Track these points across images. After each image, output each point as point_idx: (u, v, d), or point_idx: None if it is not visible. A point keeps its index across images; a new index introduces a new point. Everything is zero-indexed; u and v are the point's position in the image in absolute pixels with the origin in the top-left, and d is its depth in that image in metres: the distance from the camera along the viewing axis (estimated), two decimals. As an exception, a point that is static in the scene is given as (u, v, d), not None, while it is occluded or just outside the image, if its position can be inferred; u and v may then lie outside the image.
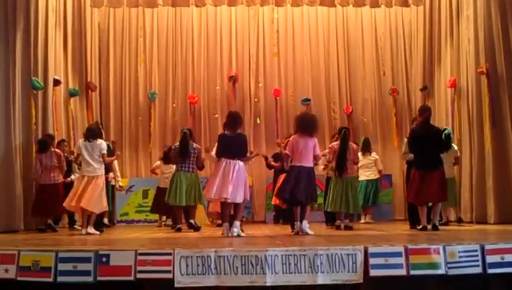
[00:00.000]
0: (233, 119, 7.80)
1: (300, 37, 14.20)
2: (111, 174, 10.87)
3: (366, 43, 14.21)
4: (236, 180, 7.46)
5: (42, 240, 7.06)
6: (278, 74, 14.13)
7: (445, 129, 8.70)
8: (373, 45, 14.21)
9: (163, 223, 11.20)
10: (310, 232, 7.68)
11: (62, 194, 9.23)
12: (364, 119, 13.92)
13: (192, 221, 9.30)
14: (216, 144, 7.86)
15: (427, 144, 8.09)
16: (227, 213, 7.67)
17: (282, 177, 10.66)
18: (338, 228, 9.04)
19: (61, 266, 4.74)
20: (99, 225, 9.15)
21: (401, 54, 14.18)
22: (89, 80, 12.97)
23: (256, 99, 13.96)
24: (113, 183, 11.24)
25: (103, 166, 8.85)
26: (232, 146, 7.58)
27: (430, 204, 8.73)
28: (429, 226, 8.09)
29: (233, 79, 13.69)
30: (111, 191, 11.05)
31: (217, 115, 13.75)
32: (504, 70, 9.81)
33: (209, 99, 13.96)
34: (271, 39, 14.19)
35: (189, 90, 13.90)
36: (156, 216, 11.55)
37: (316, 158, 7.93)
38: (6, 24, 9.55)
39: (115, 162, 11.55)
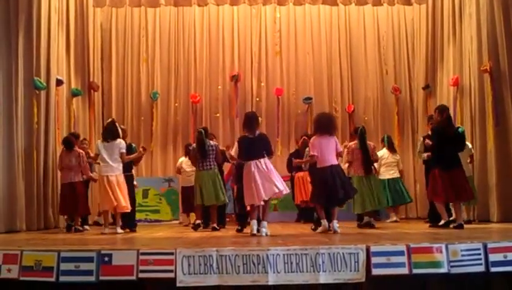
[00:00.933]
0: (250, 120, 7.77)
1: (303, 36, 14.20)
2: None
3: (368, 41, 14.21)
4: (273, 173, 7.48)
5: (44, 240, 7.08)
6: (280, 73, 14.13)
7: (458, 128, 8.72)
8: (375, 43, 14.20)
9: (190, 223, 11.15)
10: (339, 230, 7.70)
11: (82, 193, 9.39)
12: (366, 118, 13.90)
13: (214, 225, 9.17)
14: (236, 143, 7.89)
15: (448, 143, 8.14)
16: (256, 210, 7.61)
17: (299, 175, 10.71)
18: (371, 226, 8.96)
19: (64, 266, 4.74)
20: (131, 225, 9.25)
21: (404, 52, 14.16)
22: (91, 79, 12.99)
23: (258, 99, 13.98)
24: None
25: (121, 165, 8.83)
26: (255, 147, 7.54)
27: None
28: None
29: (235, 78, 13.70)
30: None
31: (218, 114, 13.78)
32: (507, 69, 9.79)
33: (211, 98, 13.97)
34: (273, 38, 14.19)
35: (191, 90, 13.91)
36: (158, 216, 11.58)
37: (339, 155, 8.03)
38: (8, 24, 9.54)
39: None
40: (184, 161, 11.40)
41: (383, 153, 11.08)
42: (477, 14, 10.55)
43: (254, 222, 7.45)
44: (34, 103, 9.92)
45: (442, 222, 8.23)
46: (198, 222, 9.26)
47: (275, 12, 14.12)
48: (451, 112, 11.39)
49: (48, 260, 4.78)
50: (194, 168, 9.89)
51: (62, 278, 4.73)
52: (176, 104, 13.97)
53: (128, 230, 9.04)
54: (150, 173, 13.32)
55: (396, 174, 11.28)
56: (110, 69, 13.96)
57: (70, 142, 9.51)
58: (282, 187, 7.46)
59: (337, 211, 8.00)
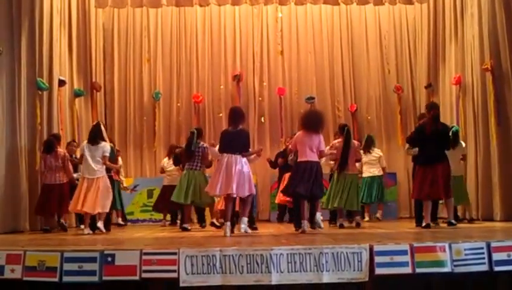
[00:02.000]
0: (234, 115, 7.83)
1: (304, 35, 14.20)
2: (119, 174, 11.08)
3: (370, 41, 14.20)
4: (240, 175, 7.44)
5: (48, 240, 7.08)
6: (282, 72, 14.13)
7: (452, 126, 8.69)
8: (377, 42, 14.19)
9: (166, 222, 11.28)
10: (322, 225, 7.70)
11: (67, 194, 9.28)
12: (369, 117, 13.91)
13: (213, 220, 9.18)
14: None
15: (433, 141, 8.10)
16: (230, 210, 7.61)
17: (287, 175, 10.73)
18: (341, 226, 9.00)
19: (67, 266, 4.75)
20: (106, 224, 9.21)
21: (406, 51, 14.15)
22: (93, 80, 13.02)
23: (260, 98, 13.97)
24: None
25: (104, 167, 8.87)
26: (233, 141, 7.58)
27: (441, 202, 8.77)
28: (432, 224, 8.11)
29: (237, 78, 13.70)
30: (118, 190, 11.10)
31: (221, 114, 13.76)
32: (509, 67, 9.76)
33: (213, 98, 13.98)
34: (275, 38, 14.18)
35: (194, 90, 13.92)
36: (161, 215, 11.58)
37: (321, 154, 7.93)
38: (11, 25, 9.57)
39: (120, 162, 11.62)
40: (166, 161, 11.47)
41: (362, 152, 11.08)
42: (479, 13, 10.54)
43: (227, 224, 7.42)
44: (37, 103, 9.95)
45: (424, 223, 8.11)
46: (185, 225, 9.14)
47: (277, 12, 14.11)
48: (453, 110, 11.46)
49: (51, 260, 4.79)
50: (175, 168, 10.48)
51: (65, 279, 4.74)
52: (178, 104, 13.97)
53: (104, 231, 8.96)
54: (154, 174, 13.31)
55: (377, 172, 11.25)
56: (112, 70, 13.97)
57: (52, 144, 9.46)
58: (234, 190, 7.37)
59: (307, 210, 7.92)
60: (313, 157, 7.76)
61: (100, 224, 8.71)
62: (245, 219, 7.56)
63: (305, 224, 7.67)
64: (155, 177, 12.70)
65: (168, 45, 14.11)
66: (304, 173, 7.67)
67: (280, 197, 10.52)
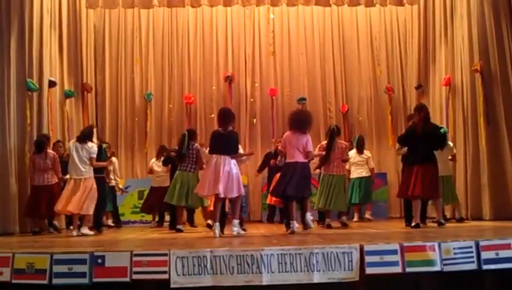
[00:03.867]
0: (223, 116, 7.84)
1: (296, 36, 14.22)
2: (111, 176, 11.14)
3: (361, 42, 14.24)
4: (228, 176, 7.44)
5: (37, 242, 7.05)
6: (274, 73, 14.14)
7: (441, 128, 8.74)
8: (368, 44, 14.24)
9: (156, 223, 11.31)
10: (311, 225, 7.73)
11: (57, 195, 9.20)
12: (360, 118, 13.95)
13: (209, 221, 9.14)
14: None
15: (422, 142, 8.15)
16: (219, 211, 7.59)
17: (277, 176, 10.75)
18: (329, 226, 8.98)
19: (56, 268, 4.73)
20: (97, 226, 9.21)
21: (396, 52, 14.21)
22: (84, 81, 12.97)
23: (252, 99, 13.99)
24: (112, 184, 11.26)
25: (91, 168, 8.85)
26: (222, 143, 7.59)
27: (430, 202, 8.83)
28: (421, 224, 8.17)
29: (229, 79, 13.70)
30: (111, 192, 11.08)
31: (213, 115, 13.72)
32: (498, 68, 9.85)
33: (205, 99, 13.97)
34: (267, 39, 14.20)
35: (185, 91, 13.91)
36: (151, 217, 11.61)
37: (308, 155, 7.91)
38: (0, 25, 9.53)
39: (116, 164, 11.64)
40: (155, 162, 11.53)
41: (352, 153, 11.11)
42: (468, 14, 10.61)
43: (217, 225, 7.39)
44: (26, 104, 9.90)
45: (413, 223, 8.15)
46: (179, 227, 9.11)
47: (268, 13, 14.13)
48: (443, 111, 11.52)
49: (40, 263, 4.76)
50: (163, 169, 10.64)
51: (55, 281, 4.71)
52: (170, 105, 13.95)
53: (95, 232, 8.95)
54: (145, 175, 13.31)
55: (365, 173, 11.30)
56: (103, 70, 13.93)
57: (42, 144, 9.43)
58: (221, 191, 7.35)
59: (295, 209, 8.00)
60: (301, 157, 7.78)
61: (84, 229, 8.65)
62: (236, 221, 7.56)
63: (294, 224, 7.68)
64: (146, 178, 12.69)
65: (159, 46, 14.09)
66: (292, 174, 7.70)
67: (270, 198, 10.54)
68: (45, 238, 7.94)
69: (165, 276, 4.68)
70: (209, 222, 9.07)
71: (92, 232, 8.74)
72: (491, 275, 4.88)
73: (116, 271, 4.72)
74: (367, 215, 11.49)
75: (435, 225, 8.35)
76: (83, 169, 8.72)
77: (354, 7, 13.53)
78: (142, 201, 12.04)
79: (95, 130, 9.38)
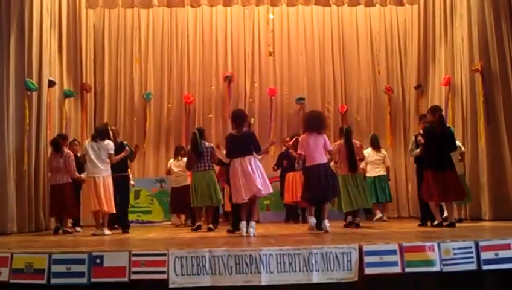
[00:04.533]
0: (236, 118, 7.80)
1: (296, 36, 14.22)
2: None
3: (361, 42, 14.24)
4: (259, 173, 7.44)
5: (35, 242, 7.04)
6: (273, 73, 14.14)
7: (449, 128, 8.79)
8: (368, 44, 14.23)
9: (187, 220, 11.30)
10: (329, 229, 7.73)
11: (71, 194, 9.39)
12: (359, 118, 13.94)
13: (210, 225, 9.26)
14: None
15: (439, 144, 8.21)
16: (246, 210, 7.53)
17: (290, 175, 10.75)
18: (356, 225, 8.96)
19: (55, 268, 4.71)
20: (125, 225, 9.29)
21: (396, 52, 14.20)
22: (83, 80, 12.93)
23: (251, 99, 13.98)
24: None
25: (109, 166, 8.82)
26: (240, 145, 7.54)
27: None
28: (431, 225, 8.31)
29: (228, 79, 13.69)
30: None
31: (211, 115, 13.79)
32: (498, 68, 9.84)
33: (204, 99, 13.97)
34: (266, 39, 14.19)
35: (185, 90, 13.90)
36: (150, 217, 11.60)
37: (330, 153, 8.02)
38: (0, 25, 9.52)
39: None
40: (173, 163, 11.53)
41: (368, 152, 11.14)
42: (468, 14, 10.60)
43: (243, 223, 7.42)
44: (25, 104, 9.87)
45: (435, 222, 8.32)
46: (198, 223, 9.25)
47: (268, 13, 14.12)
48: (443, 111, 11.49)
49: (38, 262, 4.75)
50: (182, 169, 10.67)
51: (53, 281, 4.70)
52: (169, 105, 13.95)
53: (120, 231, 9.01)
54: (142, 174, 13.29)
55: (382, 172, 11.37)
56: (102, 70, 13.91)
57: (58, 143, 9.49)
58: (261, 187, 7.39)
59: (328, 210, 8.02)
60: (321, 159, 7.77)
61: (106, 230, 8.70)
62: (253, 223, 7.47)
63: (314, 222, 7.83)
64: (143, 178, 12.68)
65: (159, 46, 14.07)
66: (318, 176, 7.69)
67: (288, 198, 10.84)
68: (44, 238, 7.91)
69: (164, 276, 4.67)
70: (210, 225, 9.23)
71: (110, 232, 8.78)
72: (491, 276, 4.87)
73: (115, 271, 4.70)
74: (382, 216, 11.50)
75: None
76: (101, 167, 8.67)
77: (354, 7, 13.52)
78: (138, 201, 12.08)
79: (110, 129, 9.32)
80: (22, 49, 9.89)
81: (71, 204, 9.44)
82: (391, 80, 14.09)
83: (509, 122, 9.70)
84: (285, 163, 11.16)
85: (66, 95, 11.84)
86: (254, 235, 7.26)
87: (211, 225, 9.23)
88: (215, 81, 14.00)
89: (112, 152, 8.81)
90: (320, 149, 7.79)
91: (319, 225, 8.04)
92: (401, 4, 12.96)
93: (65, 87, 11.88)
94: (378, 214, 11.38)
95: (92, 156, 8.68)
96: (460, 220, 9.49)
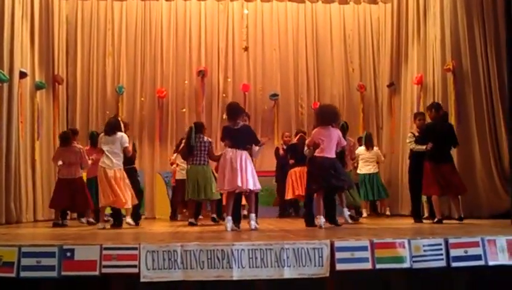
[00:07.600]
0: (230, 110, 7.76)
1: (270, 32, 14.26)
2: None
3: (334, 39, 14.33)
4: (246, 168, 7.35)
5: (5, 234, 6.94)
6: (247, 69, 14.16)
7: (450, 124, 9.03)
8: (341, 41, 14.33)
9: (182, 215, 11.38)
10: (350, 220, 7.87)
11: (83, 188, 9.41)
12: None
13: (214, 215, 9.41)
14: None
15: (442, 139, 8.42)
16: (231, 205, 7.45)
17: (297, 171, 10.56)
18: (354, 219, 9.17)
19: (25, 261, 4.64)
20: (136, 218, 9.08)
21: (369, 50, 14.33)
22: (56, 72, 12.79)
23: (224, 95, 13.98)
24: None
25: (122, 160, 8.59)
26: (237, 137, 7.47)
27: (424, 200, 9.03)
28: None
29: (201, 73, 13.67)
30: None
31: (184, 110, 13.75)
32: (469, 68, 9.97)
33: (177, 93, 13.93)
34: (240, 34, 14.20)
35: (158, 85, 13.85)
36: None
37: (343, 148, 8.06)
38: (-30, 15, 9.37)
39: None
40: (177, 156, 11.44)
41: (360, 149, 11.24)
42: (441, 14, 10.72)
43: (229, 219, 7.27)
44: (-4, 95, 9.74)
45: (436, 219, 8.39)
46: (191, 220, 9.09)
47: (243, 8, 14.13)
48: (414, 109, 11.65)
49: (8, 255, 4.67)
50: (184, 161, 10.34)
51: (23, 274, 4.62)
52: (142, 99, 13.88)
53: (133, 224, 8.80)
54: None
55: (373, 170, 11.50)
56: (75, 63, 13.78)
57: (67, 138, 9.47)
58: (254, 187, 7.36)
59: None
60: (331, 153, 7.66)
61: (129, 219, 8.60)
62: (253, 215, 7.43)
63: (322, 220, 7.62)
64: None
65: (132, 39, 13.99)
66: (328, 168, 7.58)
67: (291, 193, 10.75)
68: (14, 231, 7.81)
69: (135, 270, 4.63)
70: (214, 215, 9.40)
71: (134, 223, 8.72)
72: (459, 273, 4.93)
73: (85, 265, 4.65)
74: (387, 212, 11.60)
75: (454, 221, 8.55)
76: (114, 160, 8.45)
77: (328, 4, 13.62)
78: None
79: (121, 121, 9.16)
80: (-8, 40, 9.75)
81: (83, 197, 9.39)
82: (364, 78, 14.21)
83: (479, 122, 9.83)
84: (291, 162, 10.91)
85: (38, 86, 11.68)
86: (256, 228, 7.18)
87: (214, 215, 9.42)
88: (189, 75, 13.96)
89: (127, 145, 8.58)
90: (334, 144, 7.70)
91: (330, 219, 7.97)
92: (375, 2, 13.13)
93: (37, 78, 11.73)
94: (364, 213, 11.46)
95: (105, 149, 8.49)
96: (447, 217, 9.62)
